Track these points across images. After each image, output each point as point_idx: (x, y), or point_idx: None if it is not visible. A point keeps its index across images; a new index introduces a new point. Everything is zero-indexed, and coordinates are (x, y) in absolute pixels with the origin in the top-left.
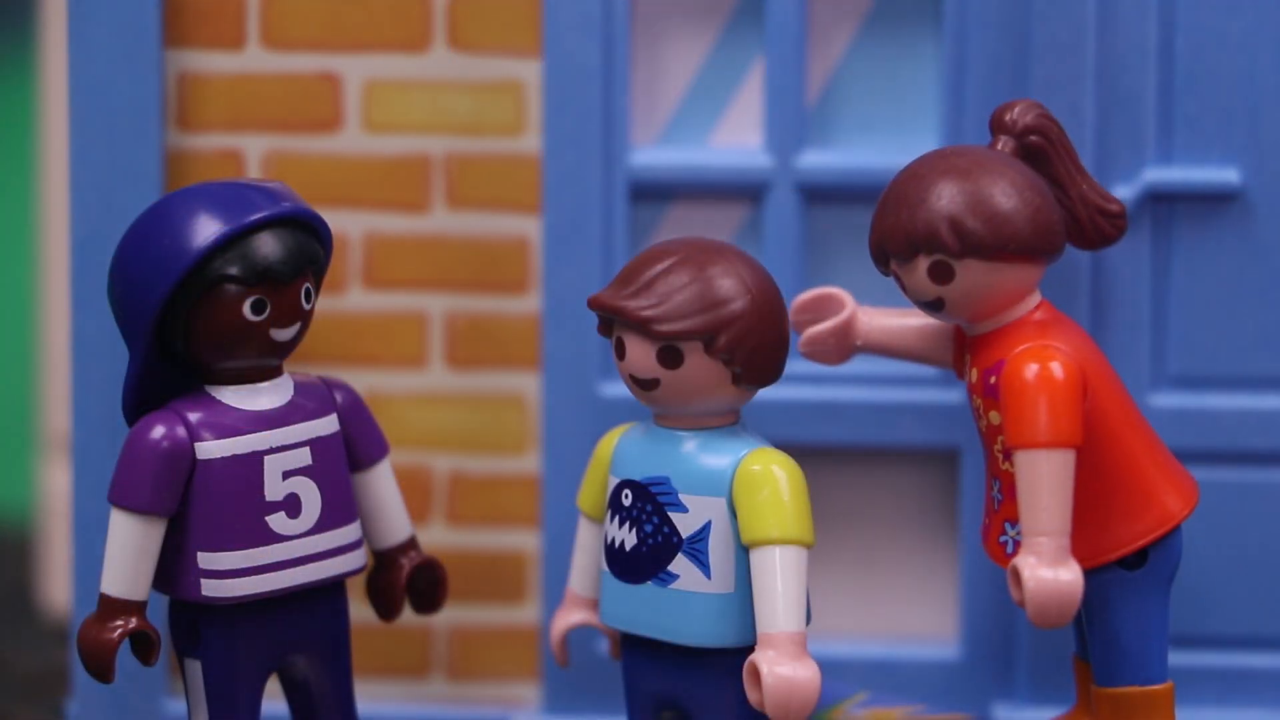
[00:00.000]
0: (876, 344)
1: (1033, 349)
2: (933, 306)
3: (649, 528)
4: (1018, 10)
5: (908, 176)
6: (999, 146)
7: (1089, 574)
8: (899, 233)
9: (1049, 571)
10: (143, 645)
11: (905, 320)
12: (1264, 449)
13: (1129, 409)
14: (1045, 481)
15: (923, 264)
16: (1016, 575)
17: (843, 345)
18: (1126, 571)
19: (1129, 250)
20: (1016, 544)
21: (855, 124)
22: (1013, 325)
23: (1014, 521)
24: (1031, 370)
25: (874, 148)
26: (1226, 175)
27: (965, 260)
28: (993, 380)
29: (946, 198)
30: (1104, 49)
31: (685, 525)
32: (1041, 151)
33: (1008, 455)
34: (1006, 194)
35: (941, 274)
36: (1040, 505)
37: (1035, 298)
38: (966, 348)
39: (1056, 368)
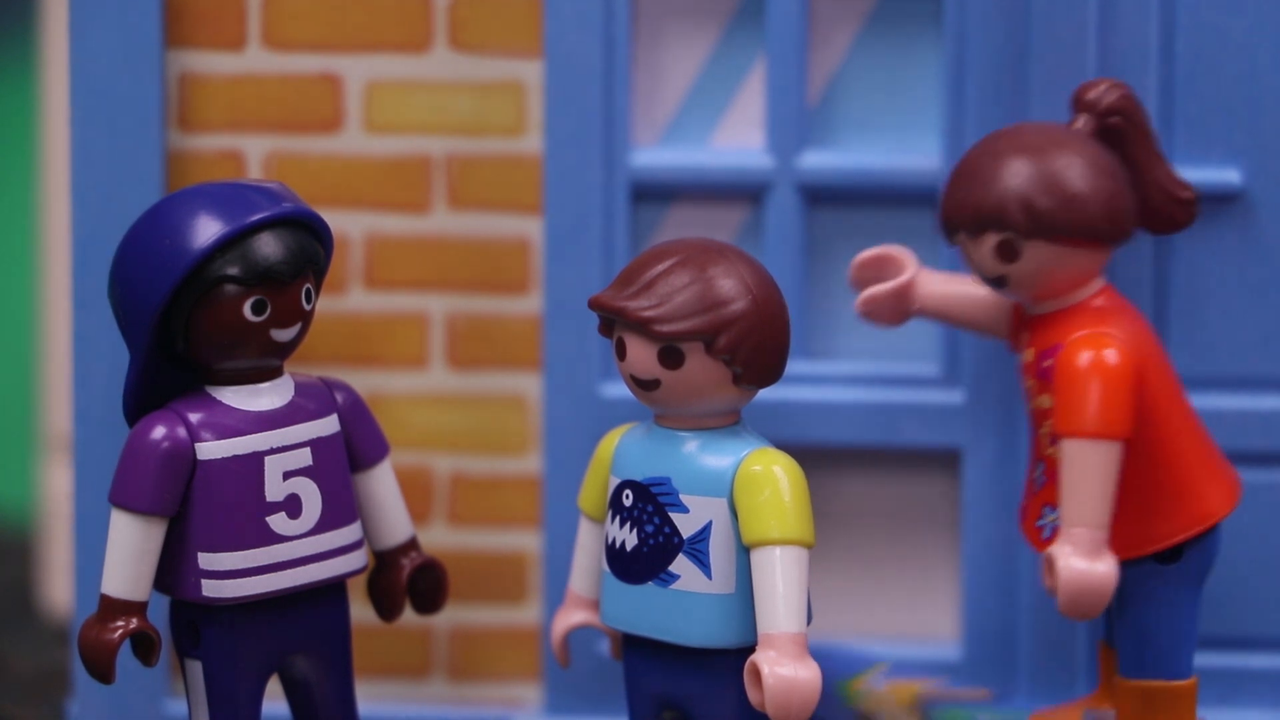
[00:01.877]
0: (934, 309)
1: (1089, 336)
2: (996, 283)
3: (650, 528)
4: (1018, 10)
5: (982, 151)
6: (1079, 125)
7: (1124, 565)
8: (969, 208)
9: (1083, 563)
10: (143, 646)
11: (965, 289)
12: (1265, 449)
13: (1180, 402)
14: (1090, 472)
15: (990, 240)
16: (1051, 563)
17: (900, 307)
18: (1161, 566)
19: (1130, 251)
20: (1054, 529)
21: (856, 124)
22: (1073, 309)
23: (1054, 505)
24: (1086, 357)
25: (875, 148)
26: (1228, 176)
27: (1033, 240)
28: (1047, 364)
29: (1021, 176)
30: (1105, 49)
31: (686, 525)
32: (1122, 133)
33: (1054, 440)
34: (1081, 176)
35: (1008, 252)
36: (1083, 496)
37: (1099, 282)
38: (1024, 326)
39: (1112, 355)
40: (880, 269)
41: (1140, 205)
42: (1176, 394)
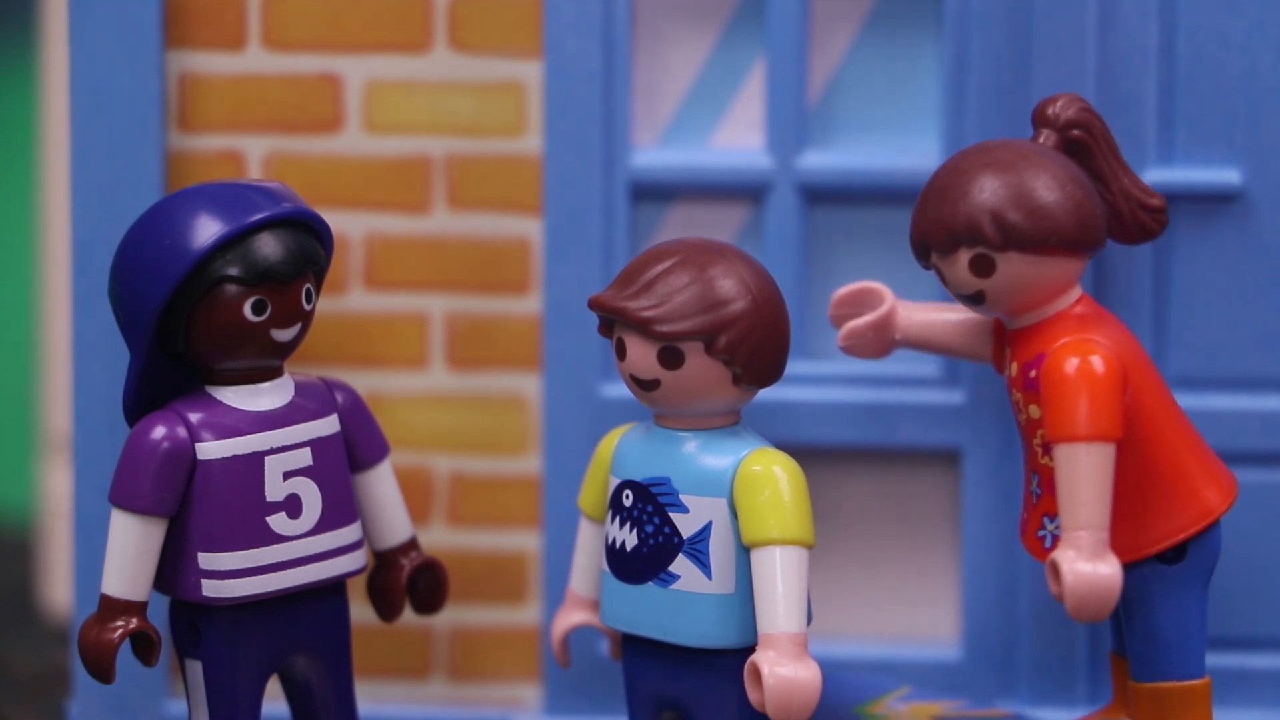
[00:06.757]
0: (915, 338)
1: (1073, 343)
2: (974, 300)
3: (650, 528)
4: (1019, 10)
5: (949, 170)
6: (1041, 140)
7: (1128, 568)
8: (940, 226)
9: (1088, 565)
10: (143, 646)
11: (944, 315)
12: (1265, 449)
13: (1168, 403)
14: (1085, 475)
15: (964, 257)
16: (1055, 569)
17: (881, 340)
18: (1165, 566)
19: (1130, 250)
20: (1055, 538)
21: (856, 124)
22: (1053, 319)
23: (1053, 515)
24: (1072, 364)
25: (875, 148)
26: (1228, 176)
27: (1007, 253)
28: (1033, 374)
29: (989, 191)
30: (1105, 49)
31: (686, 526)
32: (1084, 145)
33: (1047, 449)
34: (1049, 187)
35: (983, 267)
36: (1080, 499)
37: (1076, 291)
38: (1006, 342)
39: (1097, 361)
40: (858, 303)
41: (1110, 215)
42: (1165, 395)
